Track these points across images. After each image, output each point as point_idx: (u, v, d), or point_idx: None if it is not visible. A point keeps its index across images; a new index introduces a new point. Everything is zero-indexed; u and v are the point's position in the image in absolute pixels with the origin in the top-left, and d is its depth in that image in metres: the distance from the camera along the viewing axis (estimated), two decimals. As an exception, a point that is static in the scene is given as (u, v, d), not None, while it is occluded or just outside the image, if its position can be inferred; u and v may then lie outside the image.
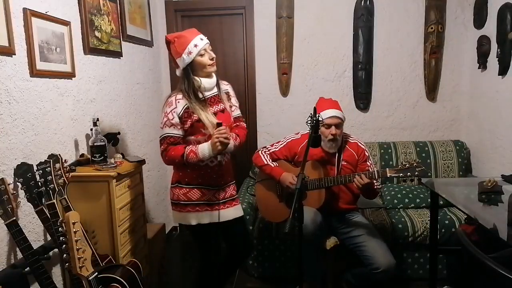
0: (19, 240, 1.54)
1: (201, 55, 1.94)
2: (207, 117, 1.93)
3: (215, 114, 1.98)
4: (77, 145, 2.25)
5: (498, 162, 2.81)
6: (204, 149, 1.91)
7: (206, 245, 2.11)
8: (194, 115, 1.94)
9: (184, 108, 1.93)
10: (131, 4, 2.92)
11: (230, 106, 2.11)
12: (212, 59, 1.97)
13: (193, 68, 1.96)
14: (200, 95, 1.97)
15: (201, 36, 1.97)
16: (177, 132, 1.95)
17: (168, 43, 1.99)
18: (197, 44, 1.93)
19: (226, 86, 2.13)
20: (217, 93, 2.05)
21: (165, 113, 1.95)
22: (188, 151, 1.92)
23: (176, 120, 1.93)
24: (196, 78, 1.96)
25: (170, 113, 1.93)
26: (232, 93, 2.15)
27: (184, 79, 1.97)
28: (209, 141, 1.91)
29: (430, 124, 3.42)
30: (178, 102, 1.94)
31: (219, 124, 1.90)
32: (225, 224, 2.05)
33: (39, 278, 1.59)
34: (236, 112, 2.15)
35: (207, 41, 1.98)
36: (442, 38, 3.26)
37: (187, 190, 2.00)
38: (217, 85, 2.06)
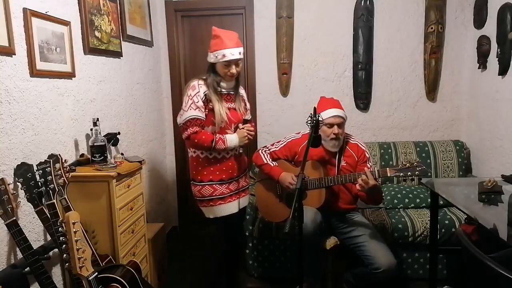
0: (19, 240, 1.54)
1: (225, 65, 2.08)
2: (220, 109, 2.09)
3: (228, 109, 2.16)
4: (77, 145, 2.25)
5: (498, 162, 2.81)
6: (232, 139, 2.11)
7: (224, 234, 2.30)
8: (210, 104, 2.09)
9: (205, 93, 2.10)
10: (131, 4, 2.92)
11: (245, 109, 2.30)
12: (231, 74, 2.10)
13: (215, 68, 2.13)
14: (218, 89, 2.13)
15: (235, 50, 2.06)
16: (202, 115, 2.09)
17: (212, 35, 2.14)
18: (226, 55, 2.05)
19: (242, 91, 2.32)
20: (233, 93, 2.22)
21: (189, 96, 2.08)
22: (217, 138, 2.08)
23: (201, 103, 2.07)
24: (217, 75, 2.13)
25: (195, 96, 2.07)
26: (245, 98, 2.34)
27: (209, 69, 2.14)
28: (236, 133, 2.14)
29: (430, 124, 3.42)
30: (200, 86, 2.09)
31: (246, 121, 2.17)
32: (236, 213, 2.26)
33: (39, 278, 1.59)
34: (248, 116, 2.33)
35: (239, 57, 2.09)
36: (442, 38, 3.26)
37: (200, 187, 2.18)
38: (236, 87, 2.23)
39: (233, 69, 2.09)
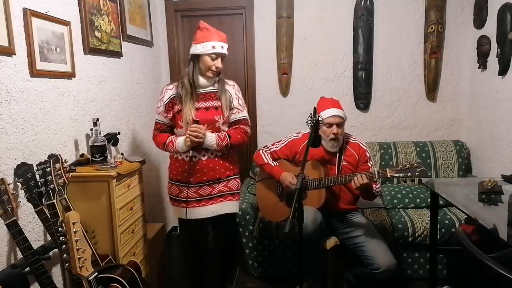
0: (19, 240, 1.54)
1: (212, 58, 2.05)
2: (187, 110, 2.06)
3: (197, 109, 2.08)
4: (77, 145, 2.24)
5: (498, 162, 2.81)
6: (179, 142, 2.09)
7: (188, 238, 2.32)
8: (176, 107, 2.10)
9: (170, 97, 2.13)
10: (131, 4, 2.92)
11: (230, 108, 2.15)
12: (216, 68, 2.07)
13: (198, 61, 2.08)
14: (192, 90, 2.09)
15: (224, 45, 2.08)
16: (162, 119, 2.18)
17: (197, 28, 2.12)
18: (215, 47, 2.04)
19: (228, 87, 2.18)
20: (212, 90, 2.13)
21: (158, 100, 2.21)
22: (169, 141, 2.12)
23: (162, 108, 2.16)
24: (196, 73, 2.08)
25: (159, 102, 2.18)
26: (235, 95, 2.19)
27: (189, 65, 2.11)
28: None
29: (430, 124, 3.42)
30: (166, 91, 2.16)
31: (195, 121, 2.03)
32: (213, 217, 2.17)
33: (39, 278, 1.59)
34: (238, 115, 2.19)
35: (225, 52, 2.08)
36: (442, 38, 3.26)
37: (170, 185, 2.24)
38: (219, 83, 2.14)
39: (219, 63, 2.06)
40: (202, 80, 2.10)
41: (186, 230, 2.29)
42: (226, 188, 2.19)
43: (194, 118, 2.03)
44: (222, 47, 2.06)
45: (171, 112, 2.12)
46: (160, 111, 2.16)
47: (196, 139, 2.00)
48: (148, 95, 3.25)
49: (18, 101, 1.80)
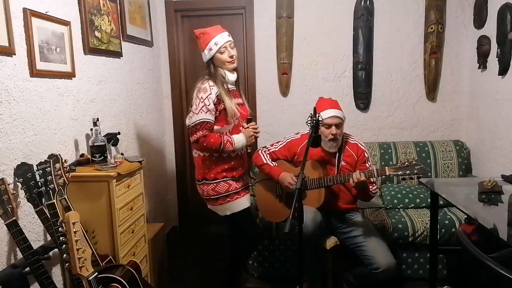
0: (19, 240, 1.54)
1: (221, 53, 2.08)
2: (231, 105, 2.06)
3: (238, 105, 2.14)
4: (77, 145, 2.25)
5: (498, 162, 2.81)
6: (239, 140, 2.08)
7: (241, 230, 2.25)
8: (222, 103, 2.06)
9: (217, 94, 2.04)
10: (131, 4, 2.92)
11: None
12: (231, 57, 2.09)
13: (215, 63, 2.10)
14: (225, 86, 2.09)
15: (223, 34, 2.10)
16: (212, 118, 2.04)
17: (196, 38, 2.14)
18: (217, 42, 2.06)
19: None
20: (234, 88, 2.20)
21: (200, 99, 2.03)
22: (225, 141, 2.05)
23: (212, 106, 2.02)
24: (221, 70, 2.10)
25: (206, 99, 2.01)
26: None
27: (210, 69, 2.11)
28: (243, 133, 2.11)
29: (430, 124, 3.42)
30: (212, 88, 2.03)
31: (249, 120, 2.12)
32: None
33: (39, 278, 1.59)
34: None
35: (229, 39, 2.10)
36: (442, 38, 3.26)
37: (214, 185, 2.11)
38: (237, 81, 2.21)
39: (232, 51, 2.09)
40: (229, 74, 2.13)
41: (239, 222, 2.22)
42: (248, 181, 2.29)
43: (248, 116, 2.15)
44: (223, 37, 2.08)
45: (218, 108, 2.05)
46: (210, 109, 2.00)
47: (259, 135, 2.18)
48: (148, 95, 3.25)
49: (18, 101, 1.80)
